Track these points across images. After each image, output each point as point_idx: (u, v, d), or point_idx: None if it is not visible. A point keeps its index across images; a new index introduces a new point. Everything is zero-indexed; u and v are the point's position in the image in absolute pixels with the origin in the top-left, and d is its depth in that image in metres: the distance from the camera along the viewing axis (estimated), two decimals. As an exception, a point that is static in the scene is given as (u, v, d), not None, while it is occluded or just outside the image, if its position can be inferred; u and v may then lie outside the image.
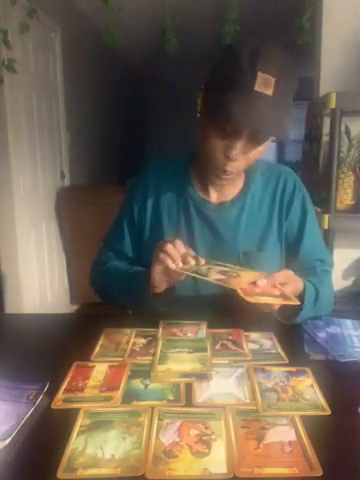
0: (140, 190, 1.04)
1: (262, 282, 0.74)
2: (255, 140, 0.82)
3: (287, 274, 0.79)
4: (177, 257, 0.79)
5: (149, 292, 0.88)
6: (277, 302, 0.75)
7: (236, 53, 0.78)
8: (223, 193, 1.00)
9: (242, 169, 0.89)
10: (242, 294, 0.70)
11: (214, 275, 0.77)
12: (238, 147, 0.82)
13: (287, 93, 0.80)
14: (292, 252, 1.02)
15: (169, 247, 0.80)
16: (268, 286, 0.74)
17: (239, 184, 1.01)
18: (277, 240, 1.01)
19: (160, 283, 0.86)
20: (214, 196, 1.00)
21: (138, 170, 1.09)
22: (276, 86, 0.75)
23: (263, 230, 1.00)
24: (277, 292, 0.74)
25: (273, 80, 0.75)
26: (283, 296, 0.74)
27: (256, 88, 0.75)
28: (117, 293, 1.00)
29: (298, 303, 0.77)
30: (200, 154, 0.93)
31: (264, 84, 0.75)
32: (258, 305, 0.77)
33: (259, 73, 0.75)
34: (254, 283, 0.73)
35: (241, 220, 0.99)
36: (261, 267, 0.93)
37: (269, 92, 0.75)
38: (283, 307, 0.81)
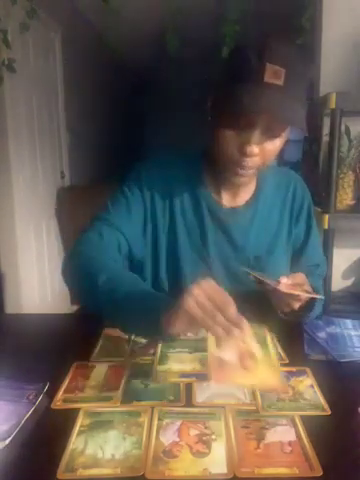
0: (154, 179, 0.97)
1: (284, 279, 0.78)
2: (270, 132, 0.80)
3: (303, 276, 0.84)
4: (211, 312, 0.61)
5: (159, 331, 0.67)
6: (305, 294, 0.81)
7: (244, 49, 0.78)
8: (236, 196, 0.98)
9: (260, 166, 0.86)
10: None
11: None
12: (253, 141, 0.79)
13: (299, 83, 0.78)
14: (296, 257, 1.04)
15: (202, 297, 0.62)
16: (290, 284, 0.79)
17: (251, 187, 0.99)
18: (286, 245, 1.02)
19: (178, 329, 0.66)
20: (227, 199, 0.97)
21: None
22: (286, 76, 0.74)
23: (274, 234, 1.00)
24: (299, 290, 0.80)
25: (283, 71, 0.74)
26: (306, 291, 0.81)
27: (266, 79, 0.74)
28: (111, 304, 0.74)
29: (322, 297, 0.86)
30: (215, 156, 0.89)
31: (274, 75, 0.74)
32: (286, 298, 0.82)
33: (268, 64, 0.74)
34: (278, 281, 0.78)
35: (253, 224, 0.98)
36: (271, 272, 0.94)
37: (279, 82, 0.74)
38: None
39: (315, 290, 0.93)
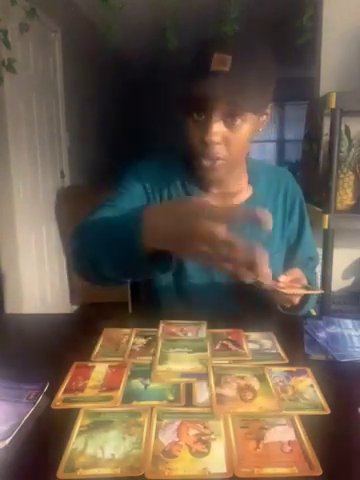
0: (150, 177, 0.98)
1: (282, 278, 0.80)
2: (231, 121, 0.82)
3: (299, 271, 0.85)
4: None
5: (140, 245, 0.61)
6: (305, 292, 0.84)
7: (200, 43, 0.82)
8: (228, 196, 0.98)
9: (227, 156, 0.85)
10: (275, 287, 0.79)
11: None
12: (211, 130, 0.81)
13: (248, 68, 0.79)
14: (291, 253, 1.04)
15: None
16: (288, 281, 0.81)
17: (243, 187, 1.00)
18: (280, 242, 1.03)
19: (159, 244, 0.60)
20: (219, 201, 0.98)
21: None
22: (233, 62, 0.77)
23: (267, 233, 1.00)
24: (298, 285, 0.82)
25: (229, 57, 0.77)
26: (305, 287, 0.83)
27: (212, 68, 0.77)
28: (97, 245, 0.71)
29: (322, 292, 0.92)
30: (188, 154, 0.91)
31: (220, 62, 0.77)
32: (287, 296, 0.84)
33: (215, 54, 0.77)
34: (277, 280, 0.80)
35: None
36: None
37: (225, 68, 0.77)
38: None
39: (310, 283, 0.95)
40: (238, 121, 0.82)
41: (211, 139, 0.81)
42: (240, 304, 0.98)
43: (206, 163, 0.86)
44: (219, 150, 0.84)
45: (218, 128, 0.81)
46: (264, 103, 0.85)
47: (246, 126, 0.83)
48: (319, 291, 0.88)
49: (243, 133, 0.84)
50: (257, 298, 0.91)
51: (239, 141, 0.84)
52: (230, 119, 0.81)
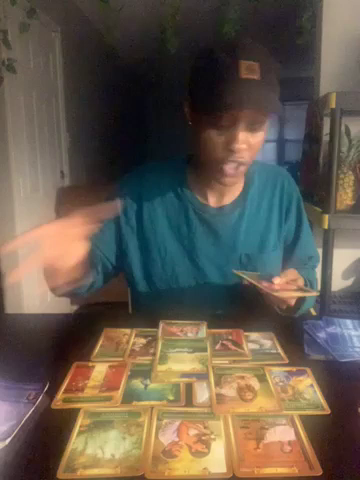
0: (135, 190, 0.99)
1: (277, 280, 0.79)
2: (252, 126, 0.81)
3: (295, 272, 0.84)
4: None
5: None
6: (299, 294, 0.83)
7: (213, 51, 0.80)
8: (222, 196, 0.98)
9: (248, 162, 0.86)
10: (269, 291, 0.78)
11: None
12: (239, 137, 0.80)
13: (272, 74, 0.80)
14: (289, 252, 1.04)
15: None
16: (283, 283, 0.80)
17: (238, 186, 1.00)
18: (277, 241, 1.02)
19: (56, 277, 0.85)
20: (213, 200, 0.98)
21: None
22: (261, 69, 0.77)
23: (263, 232, 1.01)
24: (293, 287, 0.81)
25: (257, 64, 0.77)
26: (301, 289, 0.82)
27: (242, 76, 0.76)
28: None
29: (317, 294, 0.89)
30: (203, 160, 0.89)
31: (249, 70, 0.76)
32: (282, 299, 0.83)
33: (241, 61, 0.76)
34: (271, 282, 0.79)
35: (242, 223, 0.99)
36: (262, 269, 0.94)
37: (256, 76, 0.76)
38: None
39: (309, 282, 0.95)
40: (257, 125, 0.82)
41: (239, 147, 0.81)
42: (237, 306, 0.98)
43: (230, 169, 0.85)
44: (244, 156, 0.84)
45: (244, 135, 0.81)
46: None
47: (264, 130, 0.84)
48: (314, 293, 0.86)
49: (261, 138, 0.85)
50: (252, 300, 0.91)
51: (258, 145, 0.85)
52: (252, 125, 0.81)
